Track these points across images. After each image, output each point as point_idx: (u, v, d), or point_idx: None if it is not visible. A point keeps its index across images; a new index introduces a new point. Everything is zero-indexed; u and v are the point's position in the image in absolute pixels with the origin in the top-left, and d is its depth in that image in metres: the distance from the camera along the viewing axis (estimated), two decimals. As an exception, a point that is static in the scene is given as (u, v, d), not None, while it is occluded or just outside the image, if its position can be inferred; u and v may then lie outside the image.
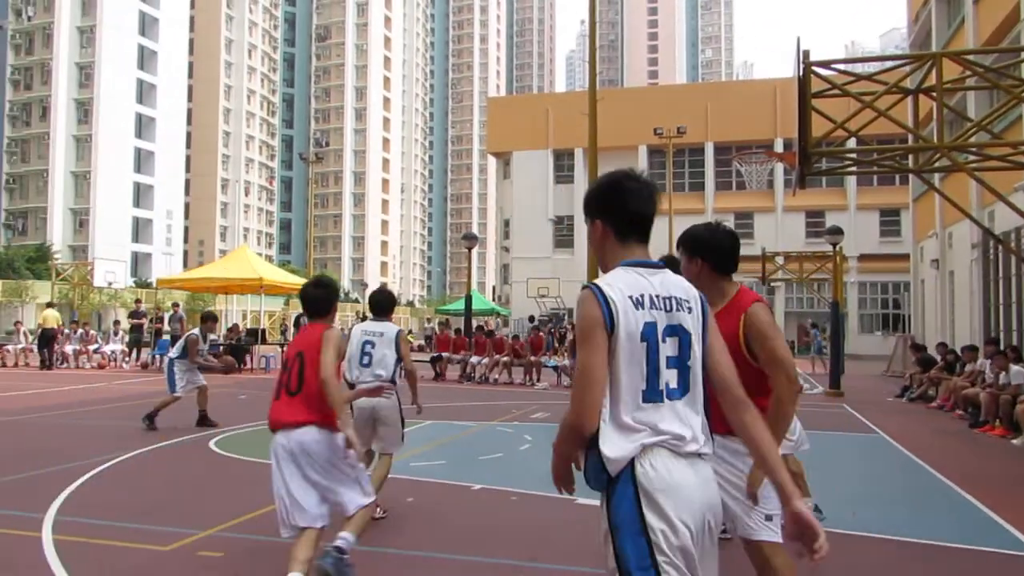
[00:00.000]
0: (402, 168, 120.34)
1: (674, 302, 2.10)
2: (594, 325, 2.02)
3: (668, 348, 2.05)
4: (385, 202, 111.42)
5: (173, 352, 10.28)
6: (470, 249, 22.85)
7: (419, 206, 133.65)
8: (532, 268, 43.35)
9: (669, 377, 2.04)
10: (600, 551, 2.04)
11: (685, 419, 2.04)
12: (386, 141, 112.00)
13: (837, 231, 18.99)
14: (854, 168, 11.60)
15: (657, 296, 2.09)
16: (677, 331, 2.08)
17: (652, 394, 2.02)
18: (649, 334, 2.03)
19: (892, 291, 42.00)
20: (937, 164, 10.28)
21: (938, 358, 16.07)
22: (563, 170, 48.41)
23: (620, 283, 2.08)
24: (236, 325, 24.15)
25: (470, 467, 7.74)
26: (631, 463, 1.97)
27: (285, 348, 4.69)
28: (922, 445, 9.58)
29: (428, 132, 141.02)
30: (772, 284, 35.92)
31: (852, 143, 12.55)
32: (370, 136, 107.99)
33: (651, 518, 1.93)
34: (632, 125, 42.80)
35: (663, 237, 36.16)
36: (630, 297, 2.06)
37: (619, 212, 2.21)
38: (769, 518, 2.83)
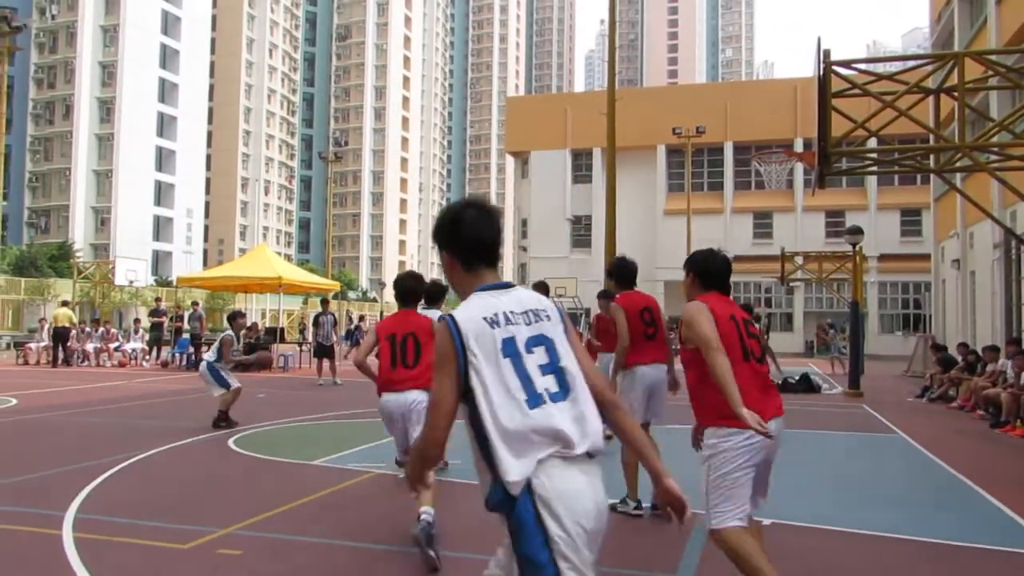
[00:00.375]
0: (420, 167, 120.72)
1: (532, 315, 2.21)
2: (444, 357, 2.13)
3: (538, 357, 2.15)
4: (403, 201, 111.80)
5: (210, 355, 10.21)
6: (488, 248, 22.89)
7: (437, 205, 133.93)
8: (550, 268, 43.32)
9: (547, 383, 2.13)
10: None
11: (573, 419, 2.11)
12: (405, 140, 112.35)
13: (857, 231, 18.86)
14: (874, 168, 11.52)
15: (512, 312, 2.18)
16: (541, 340, 2.18)
17: (534, 400, 2.09)
18: (510, 349, 2.12)
19: (912, 291, 41.63)
20: (958, 164, 10.19)
21: (959, 358, 15.93)
22: (581, 170, 48.34)
23: (474, 310, 2.17)
24: (255, 324, 24.29)
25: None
26: (528, 480, 2.05)
27: (377, 324, 5.74)
28: (942, 445, 9.50)
29: (447, 131, 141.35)
30: (791, 284, 35.69)
31: (872, 143, 12.43)
32: (389, 135, 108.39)
33: (552, 527, 2.02)
34: (651, 125, 42.66)
35: (681, 235, 35.93)
36: (484, 319, 2.14)
37: (463, 242, 2.29)
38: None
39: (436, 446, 2.22)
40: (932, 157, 11.32)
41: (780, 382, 15.90)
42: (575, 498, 2.05)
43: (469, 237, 2.27)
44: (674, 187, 46.09)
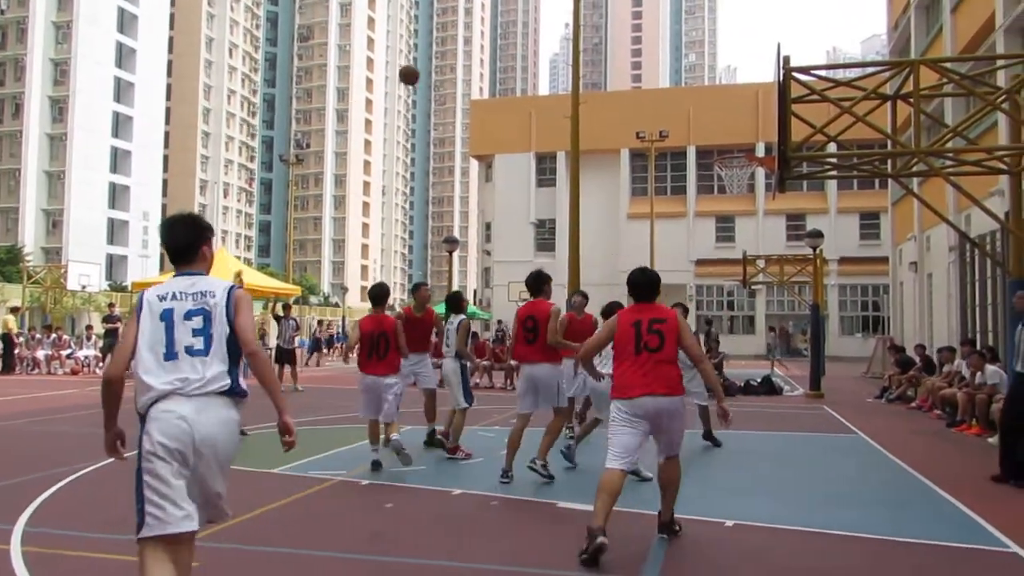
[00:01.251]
0: (384, 171, 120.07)
1: (199, 295, 3.10)
2: (132, 313, 3.19)
3: (194, 324, 3.03)
4: (366, 205, 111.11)
5: None
6: (451, 252, 22.85)
7: (400, 209, 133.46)
8: (514, 271, 43.32)
9: (194, 341, 3.02)
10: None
11: (204, 368, 3.01)
12: (368, 143, 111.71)
13: (817, 234, 19.20)
14: (833, 172, 11.72)
15: (181, 292, 3.10)
16: (200, 312, 3.06)
17: (169, 355, 3.00)
18: (167, 316, 3.05)
19: (872, 293, 42.45)
20: (915, 169, 10.40)
21: (916, 359, 16.25)
22: (545, 173, 48.50)
23: (159, 288, 3.15)
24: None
25: (450, 472, 7.73)
26: (149, 408, 2.99)
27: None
28: (900, 445, 9.68)
29: (410, 134, 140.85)
30: (753, 287, 36.14)
31: (832, 148, 12.65)
32: (351, 138, 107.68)
33: (144, 440, 2.97)
34: (615, 128, 42.96)
35: (645, 239, 35.99)
36: (157, 295, 3.11)
37: (164, 245, 3.30)
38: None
39: (118, 373, 3.09)
40: (889, 162, 11.55)
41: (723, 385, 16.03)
42: (167, 420, 2.94)
43: (165, 242, 3.25)
44: (637, 191, 46.47)
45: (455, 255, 23.76)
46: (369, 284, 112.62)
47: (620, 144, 44.45)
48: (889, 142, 10.21)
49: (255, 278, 24.51)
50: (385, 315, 7.88)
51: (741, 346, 40.17)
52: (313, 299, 76.50)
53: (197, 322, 3.03)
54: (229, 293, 3.11)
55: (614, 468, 4.80)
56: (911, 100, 9.27)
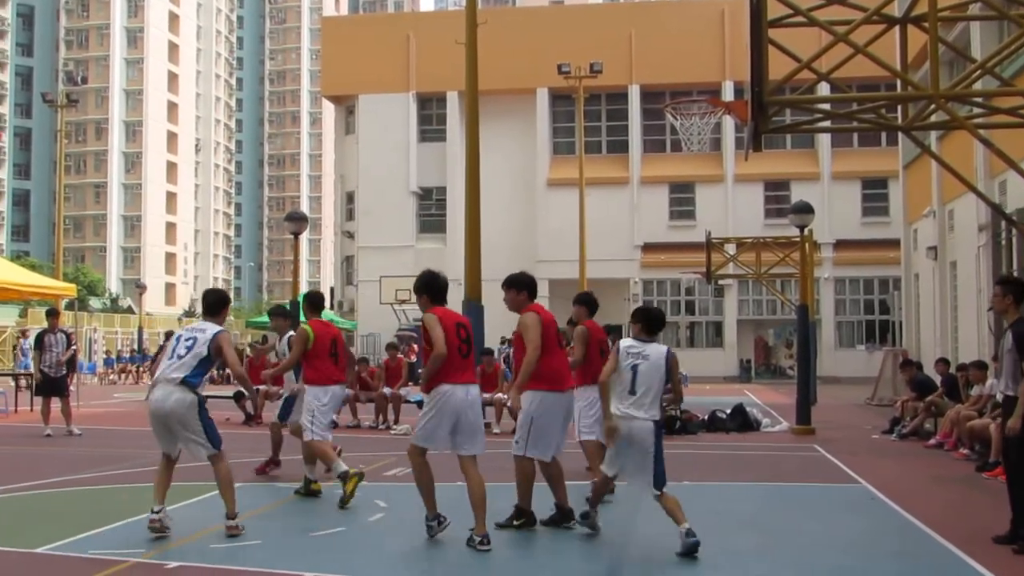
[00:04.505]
0: (197, 117, 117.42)
1: (197, 330, 8.20)
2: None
3: (185, 345, 7.99)
4: (172, 166, 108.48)
5: None
6: (297, 235, 22.49)
7: (223, 172, 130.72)
8: (387, 261, 43.10)
9: (180, 352, 7.88)
10: None
11: (174, 369, 7.74)
12: (173, 77, 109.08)
13: (806, 209, 19.58)
14: (826, 123, 12.01)
15: (190, 328, 8.43)
16: (191, 339, 8.06)
17: (168, 359, 7.94)
18: (175, 342, 8.22)
19: (878, 290, 43.72)
20: (932, 119, 10.73)
21: (938, 379, 16.72)
22: (431, 122, 48.41)
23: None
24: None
25: (297, 547, 7.66)
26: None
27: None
28: (916, 497, 9.98)
29: (235, 65, 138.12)
30: (720, 283, 36.81)
31: (824, 90, 12.98)
32: (149, 69, 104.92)
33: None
34: (528, 59, 43.12)
35: (572, 214, 36.40)
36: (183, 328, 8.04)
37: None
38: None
39: None
40: (899, 109, 11.88)
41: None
42: (152, 404, 7.75)
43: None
44: (561, 147, 46.84)
45: (303, 238, 23.44)
46: (177, 279, 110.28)
47: (536, 82, 44.66)
48: (899, 82, 10.50)
49: (5, 272, 23.58)
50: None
51: (705, 364, 40.92)
52: (95, 302, 74.28)
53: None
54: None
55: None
56: (926, 24, 9.55)
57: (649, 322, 7.59)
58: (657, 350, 7.34)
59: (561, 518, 8.12)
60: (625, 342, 7.47)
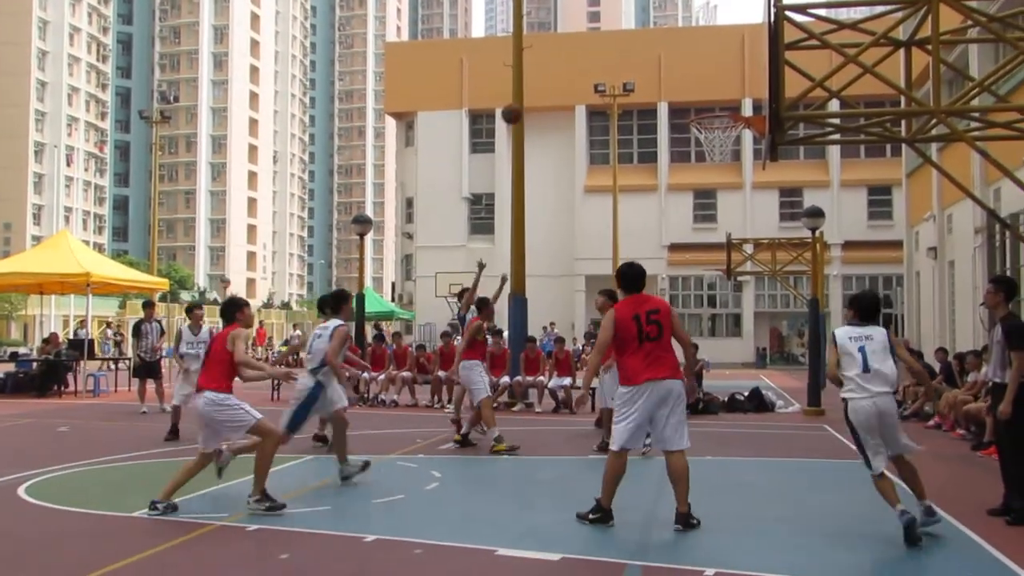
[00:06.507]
0: (275, 132, 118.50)
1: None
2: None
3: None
4: (253, 175, 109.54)
5: None
6: (362, 236, 22.59)
7: (297, 180, 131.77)
8: (442, 259, 43.19)
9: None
10: None
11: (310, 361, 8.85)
12: (254, 96, 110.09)
13: (817, 213, 19.49)
14: (836, 136, 11.94)
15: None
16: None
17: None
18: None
19: (883, 286, 43.35)
20: (933, 132, 10.64)
21: (936, 366, 16.63)
22: (481, 136, 48.43)
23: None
24: (55, 335, 23.32)
25: (362, 513, 7.70)
26: None
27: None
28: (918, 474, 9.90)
29: (309, 86, 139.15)
30: (739, 279, 36.69)
31: (834, 106, 12.89)
32: (233, 90, 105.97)
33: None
34: (568, 80, 43.10)
35: (606, 218, 36.34)
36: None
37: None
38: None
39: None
40: (903, 124, 11.80)
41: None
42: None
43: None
44: (597, 158, 46.72)
45: (367, 239, 23.58)
46: (257, 275, 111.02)
47: (574, 100, 44.62)
48: (903, 99, 10.44)
49: (108, 269, 23.95)
50: None
51: (725, 351, 40.77)
52: (185, 295, 75.19)
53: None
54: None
55: (620, 451, 6.94)
56: (929, 47, 9.48)
57: (863, 308, 7.34)
58: (878, 331, 7.13)
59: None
60: (842, 330, 7.26)
